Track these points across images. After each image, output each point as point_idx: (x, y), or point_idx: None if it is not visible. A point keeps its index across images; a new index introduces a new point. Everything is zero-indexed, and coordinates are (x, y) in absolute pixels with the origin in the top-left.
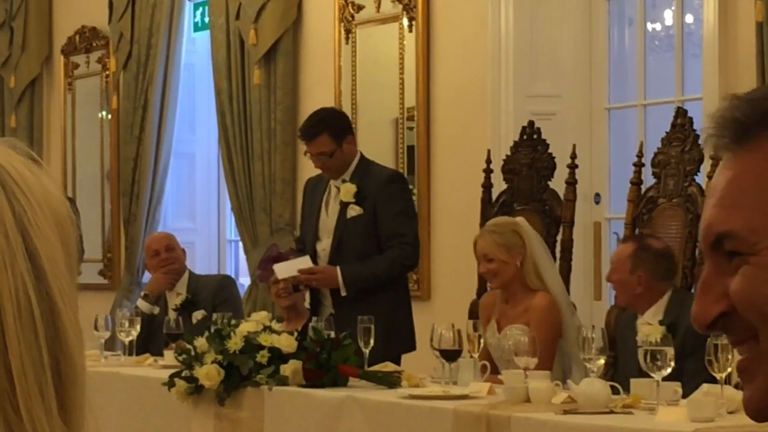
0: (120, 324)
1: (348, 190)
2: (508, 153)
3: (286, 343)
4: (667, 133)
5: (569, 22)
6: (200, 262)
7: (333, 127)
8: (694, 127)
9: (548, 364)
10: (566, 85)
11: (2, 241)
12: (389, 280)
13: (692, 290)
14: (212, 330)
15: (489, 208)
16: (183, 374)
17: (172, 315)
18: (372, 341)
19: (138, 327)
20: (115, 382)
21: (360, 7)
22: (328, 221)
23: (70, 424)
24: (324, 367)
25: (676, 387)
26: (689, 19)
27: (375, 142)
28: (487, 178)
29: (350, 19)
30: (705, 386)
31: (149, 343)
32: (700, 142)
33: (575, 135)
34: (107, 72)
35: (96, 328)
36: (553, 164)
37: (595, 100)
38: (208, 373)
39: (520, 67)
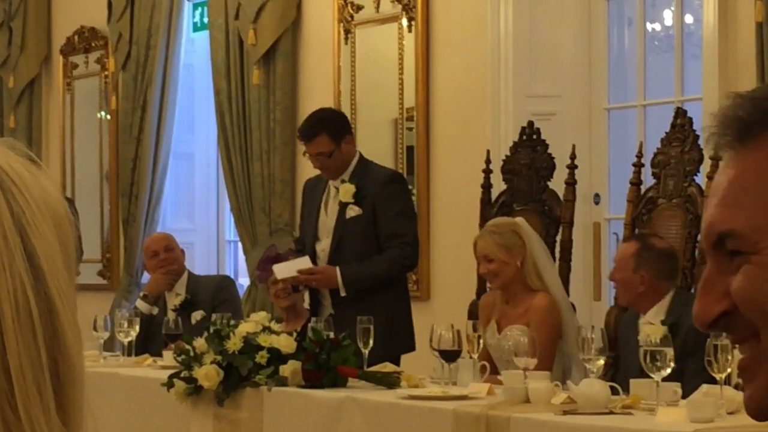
0: (119, 324)
1: (347, 191)
2: (508, 153)
3: (286, 343)
4: (666, 133)
5: (569, 23)
6: (199, 263)
7: (331, 127)
8: (694, 127)
9: (548, 364)
10: (566, 86)
11: (0, 242)
12: (389, 280)
13: (692, 290)
14: (211, 330)
15: (488, 208)
16: (182, 375)
17: (171, 315)
18: (371, 342)
19: (137, 327)
20: (114, 383)
21: (359, 7)
22: (327, 221)
23: (68, 425)
24: (323, 368)
25: (676, 387)
26: (689, 19)
27: (374, 143)
28: (487, 178)
29: (349, 19)
30: (704, 387)
31: (148, 343)
32: (700, 142)
33: (575, 135)
34: (106, 72)
35: (95, 329)
36: (552, 164)
37: (595, 101)
38: (207, 374)
39: (520, 67)
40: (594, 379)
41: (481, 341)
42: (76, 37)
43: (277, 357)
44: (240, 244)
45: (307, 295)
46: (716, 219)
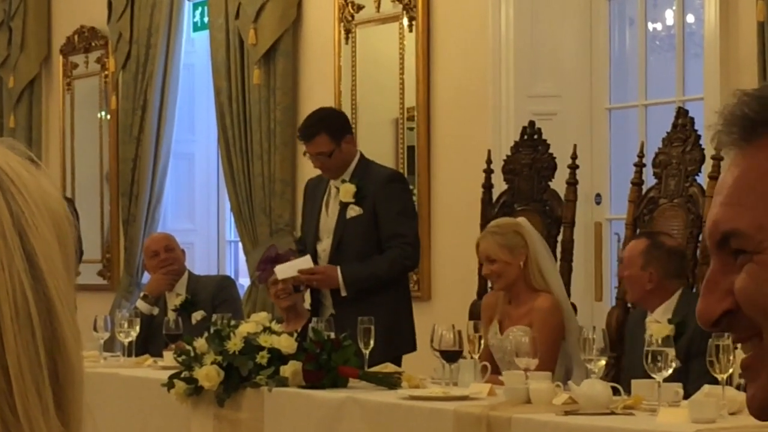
0: (119, 325)
1: (347, 190)
2: (509, 153)
3: (286, 344)
4: (668, 133)
5: (570, 22)
6: (200, 263)
7: (331, 126)
8: (695, 127)
9: (551, 365)
10: (567, 85)
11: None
12: (390, 280)
13: (694, 290)
14: (212, 331)
15: (489, 208)
16: (182, 375)
17: (171, 316)
18: (372, 342)
19: (137, 328)
20: (114, 383)
21: (360, 7)
22: (328, 221)
23: (67, 425)
24: (324, 368)
25: (677, 388)
26: (690, 19)
27: (375, 143)
28: (488, 178)
29: (350, 18)
30: (706, 387)
31: (149, 343)
32: (701, 142)
33: (576, 135)
34: (106, 72)
35: (95, 329)
36: (553, 164)
37: (596, 100)
38: (208, 374)
39: (521, 67)
40: (595, 379)
41: (482, 342)
42: (76, 37)
43: (277, 357)
44: (240, 245)
45: (308, 295)
46: (721, 218)
